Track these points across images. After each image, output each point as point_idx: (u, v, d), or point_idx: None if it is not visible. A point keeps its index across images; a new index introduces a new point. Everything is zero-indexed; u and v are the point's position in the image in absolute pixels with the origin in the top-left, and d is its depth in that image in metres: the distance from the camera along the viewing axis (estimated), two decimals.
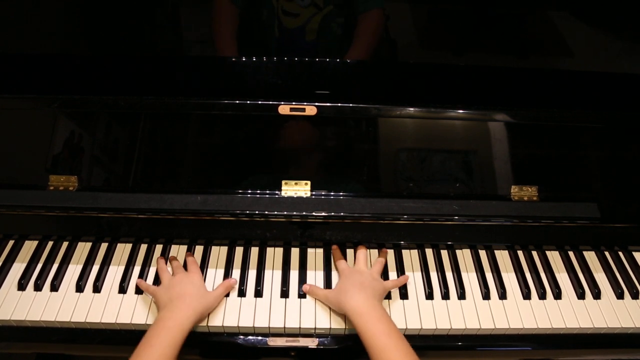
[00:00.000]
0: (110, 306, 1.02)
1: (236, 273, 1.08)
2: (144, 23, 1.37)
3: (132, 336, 1.00)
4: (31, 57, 1.23)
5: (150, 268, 1.09)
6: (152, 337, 0.88)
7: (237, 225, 1.11)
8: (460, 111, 1.12)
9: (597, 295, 1.07)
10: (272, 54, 1.19)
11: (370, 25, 1.30)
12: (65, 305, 1.02)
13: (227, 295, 1.04)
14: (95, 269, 1.08)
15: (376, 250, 1.14)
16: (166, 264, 1.08)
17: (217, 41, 1.33)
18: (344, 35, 1.35)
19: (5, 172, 1.11)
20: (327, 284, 1.06)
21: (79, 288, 1.04)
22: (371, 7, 1.27)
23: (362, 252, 1.09)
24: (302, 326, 1.00)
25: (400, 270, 1.10)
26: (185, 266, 1.07)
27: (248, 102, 1.08)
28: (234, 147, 1.12)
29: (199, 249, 1.13)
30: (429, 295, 1.05)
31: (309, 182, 1.10)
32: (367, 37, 1.29)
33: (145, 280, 1.06)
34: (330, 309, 1.02)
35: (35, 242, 1.12)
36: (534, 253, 1.15)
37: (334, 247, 1.11)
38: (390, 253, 1.13)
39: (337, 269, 1.07)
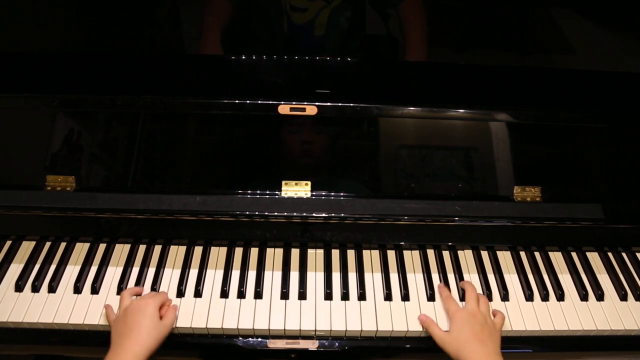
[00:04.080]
0: None
1: (235, 274, 1.07)
2: (142, 20, 1.36)
3: None
4: (28, 56, 1.22)
5: (149, 269, 1.08)
6: None
7: (237, 225, 1.10)
8: (462, 111, 1.11)
9: (600, 296, 1.06)
10: (281, 51, 1.17)
11: (418, 11, 1.28)
12: (63, 306, 1.01)
13: (226, 296, 1.03)
14: (93, 270, 1.07)
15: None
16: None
17: (203, 36, 1.31)
18: (350, 29, 1.33)
19: (2, 172, 1.10)
20: (328, 285, 1.05)
21: (77, 289, 1.03)
22: None
23: (472, 291, 1.01)
24: (302, 328, 0.99)
25: (402, 272, 1.09)
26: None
27: (247, 101, 1.07)
28: (234, 147, 1.11)
29: (198, 250, 1.12)
30: (431, 297, 1.04)
31: (309, 183, 1.09)
32: (420, 24, 1.27)
33: (144, 281, 1.05)
34: (330, 310, 1.01)
35: (33, 243, 1.11)
36: (537, 254, 1.14)
37: (441, 285, 1.05)
38: (392, 254, 1.12)
39: (445, 309, 1.01)
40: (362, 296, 1.04)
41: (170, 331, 0.95)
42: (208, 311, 1.00)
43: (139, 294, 1.02)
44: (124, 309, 0.95)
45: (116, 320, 0.94)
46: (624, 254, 1.16)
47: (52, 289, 1.03)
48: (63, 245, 1.11)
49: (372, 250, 1.13)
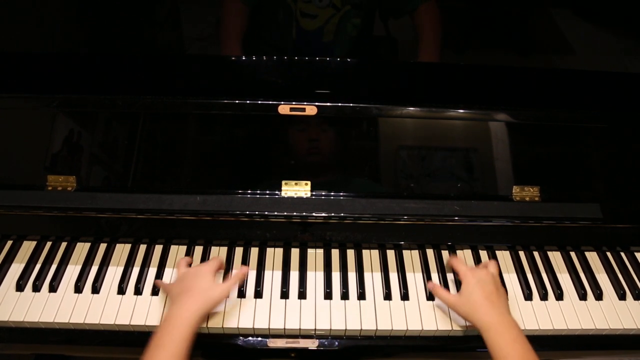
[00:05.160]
0: (109, 307, 1.01)
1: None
2: (143, 20, 1.36)
3: (131, 337, 1.00)
4: (28, 56, 1.22)
5: (150, 269, 1.08)
6: (161, 336, 0.88)
7: (237, 225, 1.10)
8: (461, 111, 1.11)
9: (599, 296, 1.07)
10: (289, 55, 1.17)
11: (434, 15, 1.28)
12: (63, 306, 1.01)
13: (227, 296, 1.03)
14: (94, 269, 1.07)
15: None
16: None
17: (222, 41, 1.32)
18: (359, 37, 1.33)
19: (2, 172, 1.10)
20: (328, 285, 1.06)
21: (78, 289, 1.03)
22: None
23: (485, 261, 1.06)
24: (302, 327, 1.00)
25: (401, 271, 1.09)
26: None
27: (248, 101, 1.07)
28: (234, 147, 1.11)
29: (198, 250, 1.12)
30: (430, 297, 1.05)
31: (309, 182, 1.09)
32: (433, 29, 1.27)
33: (145, 281, 1.06)
34: (330, 309, 1.02)
35: (34, 243, 1.12)
36: (536, 253, 1.15)
37: (449, 258, 1.07)
38: (391, 254, 1.13)
39: (456, 271, 1.03)
40: (361, 295, 1.04)
41: (228, 294, 0.98)
42: None
43: (190, 263, 1.07)
44: (181, 274, 1.01)
45: (173, 284, 1.00)
46: (622, 254, 1.16)
47: (53, 288, 1.03)
48: (64, 245, 1.12)
49: (371, 250, 1.13)
